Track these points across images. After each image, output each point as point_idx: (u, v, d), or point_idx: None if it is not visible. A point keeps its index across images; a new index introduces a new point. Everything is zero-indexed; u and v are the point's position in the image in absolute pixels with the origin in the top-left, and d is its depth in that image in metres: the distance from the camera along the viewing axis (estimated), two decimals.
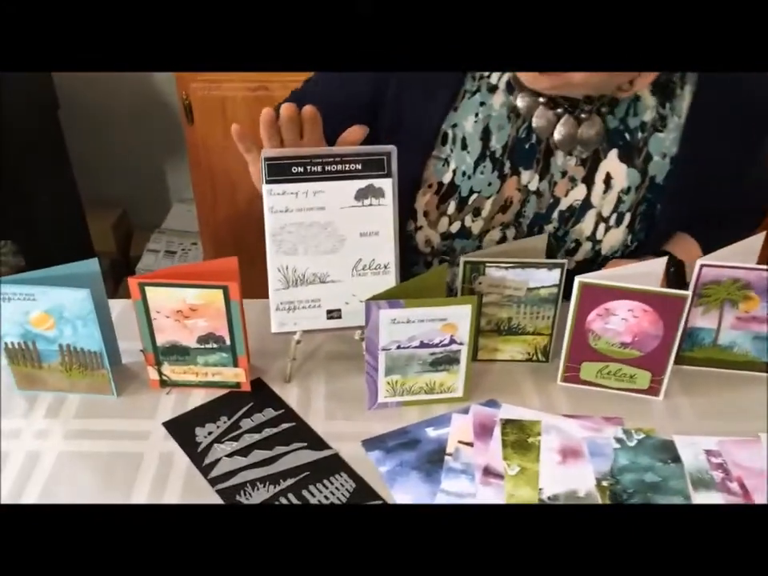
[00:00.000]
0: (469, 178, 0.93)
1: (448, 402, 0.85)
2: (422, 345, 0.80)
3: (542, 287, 0.84)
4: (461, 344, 0.81)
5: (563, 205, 0.94)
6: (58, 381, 0.85)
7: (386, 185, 0.81)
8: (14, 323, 0.80)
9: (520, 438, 0.80)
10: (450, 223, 0.95)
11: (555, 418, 0.83)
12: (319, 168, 0.79)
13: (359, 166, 0.80)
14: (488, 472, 0.77)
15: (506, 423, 0.82)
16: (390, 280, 0.84)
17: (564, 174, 0.92)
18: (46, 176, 1.90)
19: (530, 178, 0.93)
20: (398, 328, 0.79)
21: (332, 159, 0.79)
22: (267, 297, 0.84)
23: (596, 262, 0.96)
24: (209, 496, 0.74)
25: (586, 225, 0.94)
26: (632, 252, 0.97)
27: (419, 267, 1.05)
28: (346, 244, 0.82)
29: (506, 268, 0.83)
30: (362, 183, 0.80)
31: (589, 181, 0.92)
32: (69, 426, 0.82)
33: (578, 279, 0.79)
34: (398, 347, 0.80)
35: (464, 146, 0.92)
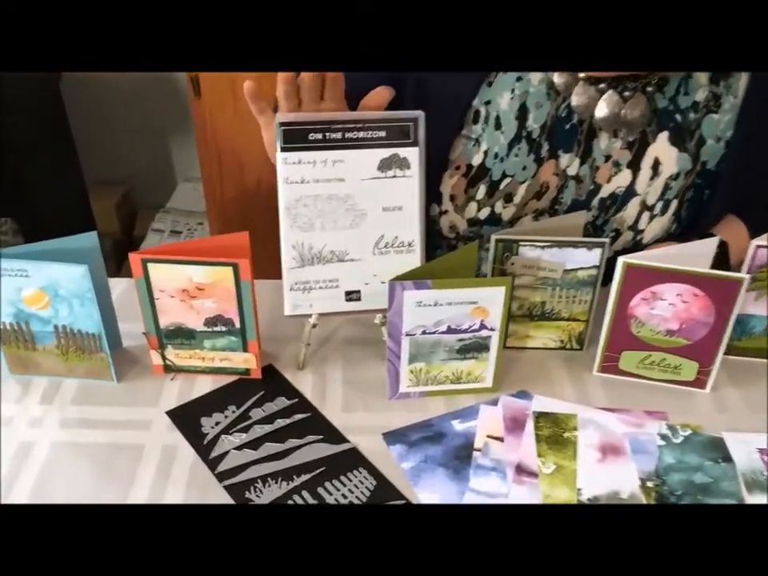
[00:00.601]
0: (501, 160, 0.85)
1: (475, 393, 0.79)
2: (450, 330, 0.74)
3: (580, 269, 0.77)
4: (492, 330, 0.74)
5: (605, 192, 0.86)
6: (54, 365, 0.78)
7: (412, 154, 0.74)
8: (5, 301, 0.74)
9: (555, 433, 0.74)
10: (479, 209, 0.88)
11: (592, 411, 0.76)
12: (339, 135, 0.72)
13: (383, 134, 0.73)
14: (521, 470, 0.70)
15: (539, 416, 0.76)
16: (414, 259, 0.77)
17: (607, 158, 0.85)
18: (47, 153, 1.83)
19: (569, 162, 0.85)
20: (424, 311, 0.72)
21: (353, 125, 0.72)
22: (278, 278, 0.78)
23: (636, 250, 0.89)
24: (216, 493, 0.68)
25: (629, 213, 0.87)
26: (674, 239, 0.89)
27: (443, 251, 0.97)
28: (367, 219, 0.75)
29: (542, 247, 0.76)
30: (386, 152, 0.73)
31: (635, 166, 0.84)
32: (65, 414, 0.75)
33: (621, 260, 0.72)
34: (423, 332, 0.73)
35: (497, 126, 0.84)
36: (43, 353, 0.77)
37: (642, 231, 0.87)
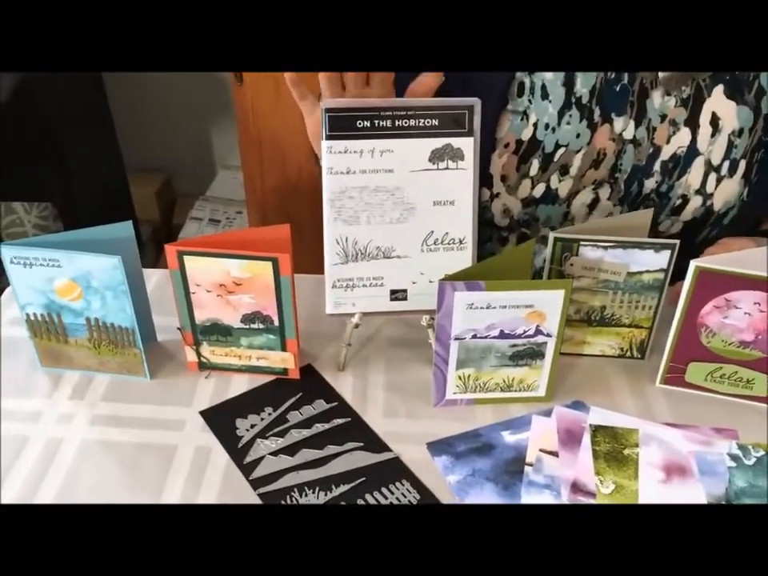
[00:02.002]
0: (553, 130, 0.80)
1: (527, 402, 0.73)
2: (502, 335, 0.68)
3: (646, 272, 0.71)
4: (548, 336, 0.69)
5: (665, 153, 0.80)
6: (85, 358, 0.75)
7: (467, 145, 0.69)
8: (36, 292, 0.71)
9: (614, 449, 0.68)
10: (533, 186, 0.82)
11: (655, 426, 0.70)
12: (389, 123, 0.67)
13: (435, 122, 0.68)
14: (577, 488, 0.65)
15: (597, 430, 0.70)
16: (465, 257, 0.72)
17: (663, 117, 0.79)
18: (88, 139, 1.82)
19: (624, 125, 0.80)
20: (476, 314, 0.67)
21: (404, 113, 0.67)
22: (318, 273, 0.73)
23: (708, 221, 0.83)
24: (249, 500, 0.64)
25: (694, 176, 0.81)
26: (749, 205, 0.83)
27: (493, 244, 0.92)
28: (416, 213, 0.70)
29: (605, 248, 0.70)
30: (438, 142, 0.68)
31: (693, 124, 0.79)
32: (95, 411, 0.72)
33: (694, 264, 0.66)
34: (474, 336, 0.68)
35: (544, 95, 0.79)
36: (75, 346, 0.74)
37: (712, 195, 0.81)
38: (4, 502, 0.63)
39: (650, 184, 0.81)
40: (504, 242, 0.92)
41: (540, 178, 0.82)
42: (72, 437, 0.70)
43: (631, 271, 0.71)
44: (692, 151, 0.80)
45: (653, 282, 0.72)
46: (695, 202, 0.82)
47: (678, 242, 0.69)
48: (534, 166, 0.81)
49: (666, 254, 0.70)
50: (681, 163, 0.81)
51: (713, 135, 0.79)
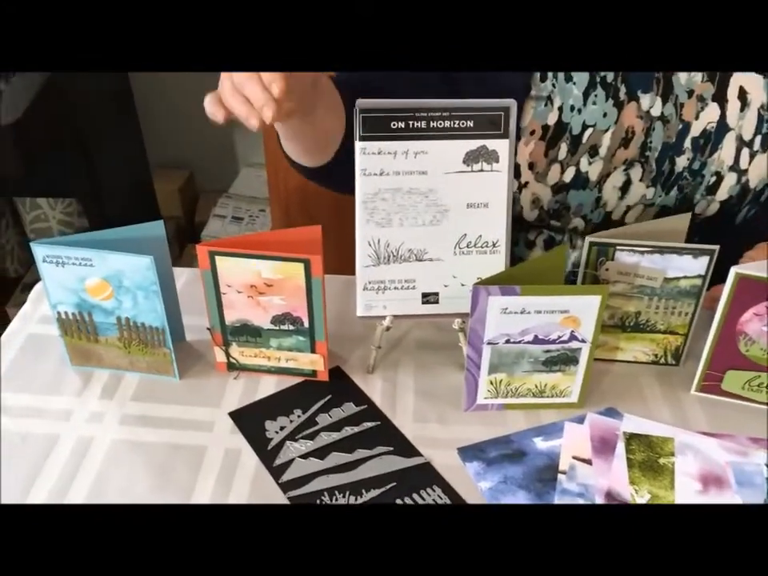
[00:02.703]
0: (579, 111, 0.79)
1: (559, 408, 0.72)
2: (536, 340, 0.68)
3: (684, 277, 0.70)
4: (583, 341, 0.68)
5: (695, 130, 0.79)
6: (115, 358, 0.75)
7: (502, 147, 0.68)
8: (68, 290, 0.71)
9: (649, 458, 0.67)
10: (563, 170, 0.81)
11: (691, 435, 0.69)
12: (423, 124, 0.66)
13: (471, 123, 0.67)
14: (611, 497, 0.64)
15: (631, 438, 0.69)
16: (498, 261, 0.71)
17: (690, 93, 0.78)
18: (114, 135, 1.82)
19: (651, 102, 0.78)
20: (510, 319, 0.66)
21: (439, 114, 0.66)
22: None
23: (744, 200, 0.81)
24: (279, 503, 0.64)
25: (726, 152, 0.79)
26: None
27: (519, 248, 0.91)
28: (450, 216, 0.70)
29: (641, 253, 0.69)
30: (473, 144, 0.67)
31: (721, 98, 0.78)
32: (125, 410, 0.72)
33: (734, 270, 0.65)
34: (507, 341, 0.67)
35: (568, 78, 0.78)
36: (105, 345, 0.74)
37: (746, 171, 0.80)
38: (36, 500, 0.63)
39: (681, 162, 0.80)
40: (531, 246, 0.90)
41: (569, 162, 0.81)
42: (102, 436, 0.70)
43: (668, 277, 0.70)
44: (722, 127, 0.79)
45: (690, 288, 0.71)
46: (730, 179, 0.80)
47: (717, 247, 0.68)
48: (563, 149, 0.80)
49: (705, 259, 0.68)
50: (712, 139, 0.79)
51: (742, 110, 0.78)
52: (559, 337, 0.67)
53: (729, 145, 0.79)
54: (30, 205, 1.95)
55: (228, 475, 0.66)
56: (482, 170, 0.68)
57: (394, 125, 0.66)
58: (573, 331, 0.67)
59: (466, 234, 0.70)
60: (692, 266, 0.69)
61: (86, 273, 0.69)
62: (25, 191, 1.82)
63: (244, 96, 0.60)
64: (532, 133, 0.80)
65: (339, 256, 0.84)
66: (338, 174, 0.79)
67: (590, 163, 0.81)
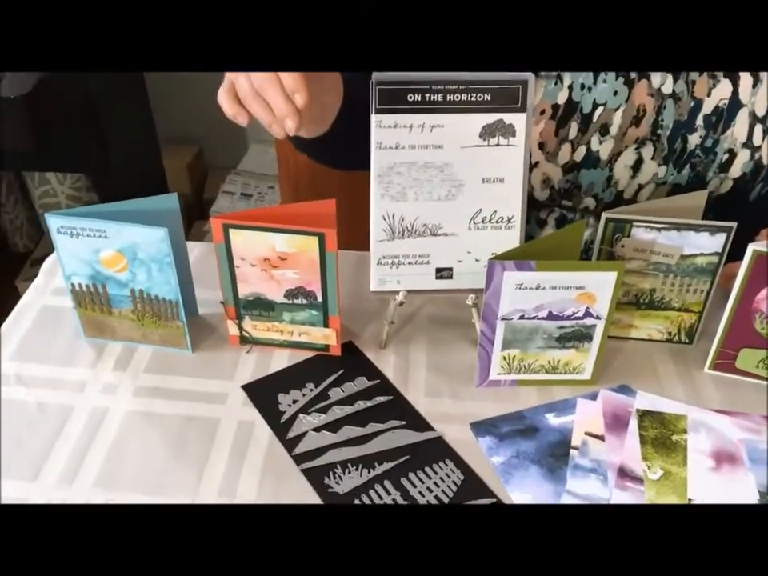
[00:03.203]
0: (589, 90, 0.78)
1: (572, 385, 0.72)
2: (551, 316, 0.67)
3: (700, 255, 0.70)
4: (597, 318, 0.67)
5: (707, 107, 0.78)
6: (129, 330, 0.75)
7: (519, 121, 0.67)
8: (82, 262, 0.71)
9: (662, 435, 0.67)
10: (574, 150, 0.81)
11: (704, 412, 0.69)
12: (440, 97, 0.66)
13: (488, 97, 0.66)
14: (624, 473, 0.64)
15: (644, 415, 0.69)
16: (513, 236, 0.71)
17: None
18: (123, 111, 1.81)
19: (662, 80, 0.78)
20: (524, 294, 0.66)
21: (456, 87, 0.66)
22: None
23: (758, 177, 0.81)
24: (293, 476, 0.64)
25: (739, 128, 0.78)
26: None
27: (531, 227, 0.90)
28: (465, 191, 0.69)
29: (658, 229, 0.69)
30: (490, 118, 0.67)
31: (732, 75, 0.77)
32: (138, 382, 0.73)
33: (751, 248, 0.64)
34: (521, 317, 0.67)
35: None
36: (119, 317, 0.74)
37: (759, 148, 0.79)
38: (53, 469, 0.64)
39: (693, 139, 0.79)
40: (542, 225, 0.90)
41: (580, 141, 0.80)
42: (116, 407, 0.70)
43: (684, 254, 0.70)
44: (734, 103, 0.78)
45: (706, 266, 0.70)
46: (743, 156, 0.79)
47: (734, 224, 0.67)
48: (573, 128, 0.80)
49: (722, 237, 0.68)
50: (724, 116, 0.78)
51: (754, 86, 0.77)
52: (574, 313, 0.67)
53: (741, 121, 0.78)
54: (38, 180, 1.94)
55: (242, 446, 0.66)
56: (498, 145, 0.68)
57: (410, 97, 0.66)
58: (588, 308, 0.67)
59: (481, 209, 0.70)
60: (709, 244, 0.69)
61: (101, 244, 0.69)
62: (34, 166, 1.82)
63: (265, 101, 0.61)
64: (542, 112, 0.79)
65: (348, 232, 0.84)
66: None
67: (600, 142, 0.80)
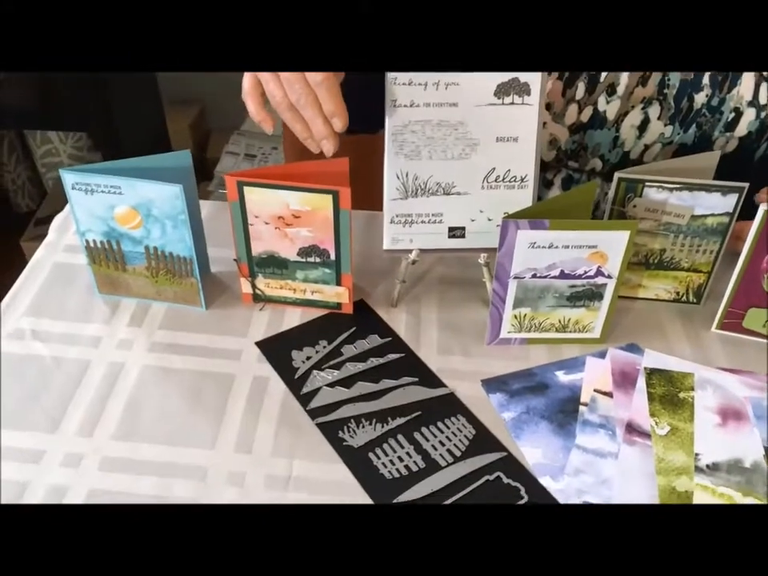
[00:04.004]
0: None
1: (581, 344, 0.73)
2: (562, 275, 0.68)
3: (711, 215, 0.70)
4: (609, 277, 0.68)
5: None
6: (143, 287, 0.76)
7: (534, 80, 0.67)
8: (97, 219, 0.71)
9: (669, 392, 0.68)
10: (580, 110, 0.81)
11: (711, 371, 0.70)
12: None
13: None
14: (632, 429, 0.65)
15: (652, 373, 0.70)
16: (525, 196, 0.71)
17: None
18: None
19: None
20: (537, 253, 0.66)
21: None
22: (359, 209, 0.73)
23: (764, 135, 0.81)
24: (308, 430, 0.65)
25: (745, 87, 0.78)
26: None
27: (538, 188, 0.90)
28: (479, 150, 0.69)
29: (670, 189, 0.69)
30: (505, 76, 0.67)
31: None
32: (153, 339, 0.73)
33: (763, 208, 0.65)
34: (533, 276, 0.68)
35: None
36: (133, 274, 0.75)
37: (765, 106, 0.79)
38: (73, 421, 0.65)
39: (700, 98, 0.79)
40: (549, 185, 0.90)
41: (587, 101, 0.80)
42: (132, 362, 0.71)
43: (695, 214, 0.70)
44: None
45: (716, 226, 0.71)
46: (749, 114, 0.79)
47: (746, 185, 0.68)
48: (580, 89, 0.80)
49: (733, 197, 0.68)
50: (730, 75, 0.78)
51: None
52: (585, 272, 0.68)
53: (747, 80, 0.78)
54: (40, 139, 1.93)
55: (257, 401, 0.67)
56: (512, 103, 0.68)
57: None
58: (599, 267, 0.67)
59: (494, 168, 0.70)
60: (720, 204, 0.69)
61: (115, 201, 0.69)
62: (37, 124, 1.81)
63: (302, 117, 0.63)
64: (549, 73, 0.79)
65: (356, 192, 0.84)
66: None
67: (607, 102, 0.80)
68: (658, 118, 0.80)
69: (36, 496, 0.59)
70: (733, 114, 0.79)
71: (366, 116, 0.69)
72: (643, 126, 0.81)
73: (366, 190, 0.75)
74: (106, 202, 0.69)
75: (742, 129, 0.80)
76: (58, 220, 0.89)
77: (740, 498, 0.60)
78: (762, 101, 0.78)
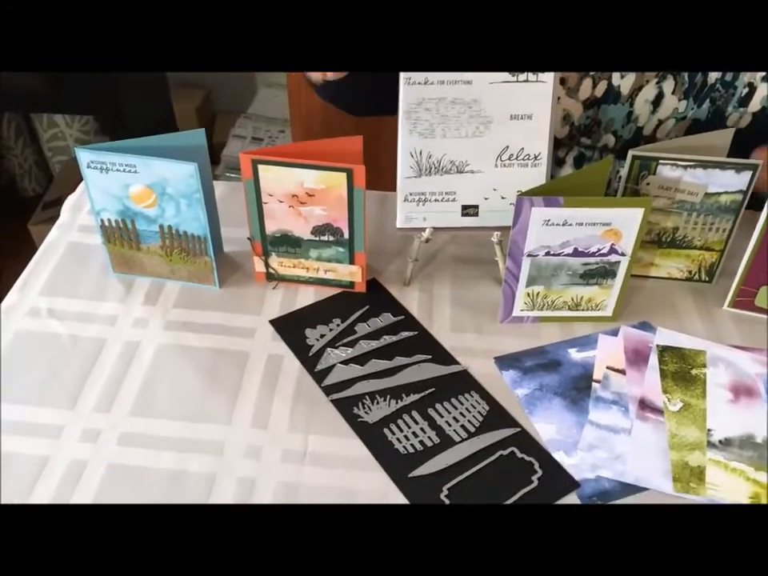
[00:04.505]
0: None
1: (593, 321, 0.74)
2: (576, 253, 0.68)
3: (724, 192, 0.70)
4: (622, 255, 0.68)
5: None
6: (157, 266, 0.76)
7: None
8: (112, 197, 0.71)
9: (682, 369, 0.69)
10: (594, 85, 0.81)
11: (723, 348, 0.71)
12: None
13: None
14: (645, 405, 0.66)
15: (664, 350, 0.70)
16: (539, 174, 0.71)
17: None
18: None
19: None
20: (551, 231, 0.66)
21: None
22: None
23: None
24: (323, 407, 0.66)
25: None
26: None
27: (551, 166, 0.90)
28: (493, 128, 0.69)
29: (684, 167, 0.69)
30: None
31: None
32: (168, 317, 0.74)
33: None
34: (547, 253, 0.68)
35: None
36: (147, 253, 0.75)
37: None
38: (88, 400, 0.66)
39: (714, 73, 0.79)
40: (561, 164, 0.90)
41: (601, 76, 0.80)
42: (148, 340, 0.71)
43: (709, 192, 0.70)
44: None
45: (729, 204, 0.71)
46: (762, 89, 0.79)
47: (761, 162, 0.68)
48: None
49: (747, 174, 0.68)
50: None
51: None
52: (599, 249, 0.68)
53: None
54: (47, 123, 1.93)
55: (272, 378, 0.68)
56: (527, 80, 0.67)
57: None
58: (613, 244, 0.67)
59: (508, 147, 0.70)
60: (733, 182, 0.69)
61: (130, 179, 0.69)
62: (45, 108, 1.80)
63: None
64: None
65: (368, 173, 0.84)
66: (350, 92, 0.79)
67: (622, 77, 0.80)
68: (672, 93, 0.80)
69: (56, 471, 0.60)
70: (747, 89, 0.79)
71: (378, 99, 0.69)
72: (657, 101, 0.80)
73: (373, 171, 0.75)
74: (121, 181, 0.70)
75: (755, 104, 0.80)
76: (71, 200, 0.89)
77: (752, 473, 0.60)
78: None
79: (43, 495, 0.58)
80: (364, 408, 0.66)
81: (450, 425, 0.64)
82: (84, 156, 0.68)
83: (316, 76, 0.80)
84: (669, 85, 0.79)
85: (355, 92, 0.80)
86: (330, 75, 0.77)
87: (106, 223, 0.74)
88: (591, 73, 0.80)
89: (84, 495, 0.58)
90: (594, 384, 0.68)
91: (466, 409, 0.66)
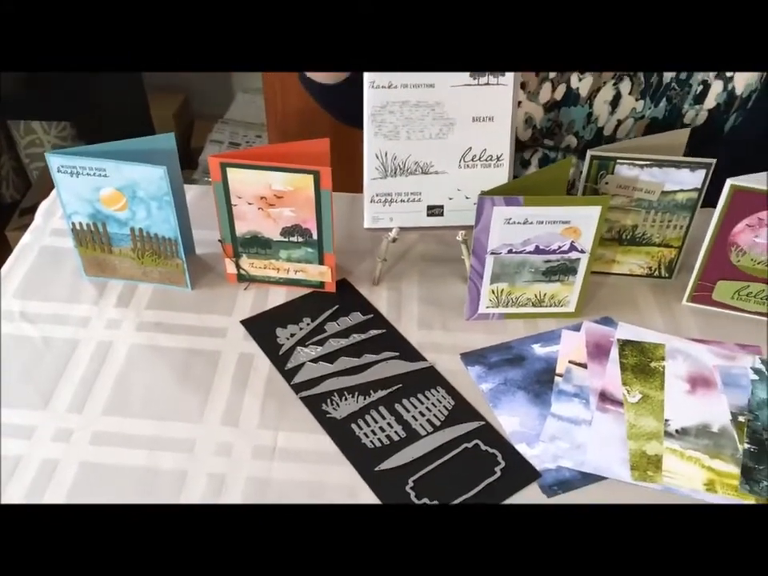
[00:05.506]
0: None
1: (557, 317, 0.76)
2: (537, 250, 0.70)
3: (680, 191, 0.72)
4: (582, 252, 0.70)
5: None
6: (129, 268, 0.77)
7: None
8: (83, 201, 0.72)
9: (641, 362, 0.71)
10: (554, 88, 0.83)
11: (681, 341, 0.73)
12: None
13: None
14: (605, 397, 0.68)
15: (625, 344, 0.73)
16: (501, 174, 0.73)
17: None
18: None
19: None
20: (513, 229, 0.68)
21: None
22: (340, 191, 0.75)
23: (732, 107, 0.83)
24: (292, 404, 0.67)
25: None
26: None
27: (515, 168, 0.92)
28: (455, 129, 0.71)
29: (641, 166, 0.71)
30: None
31: None
32: (141, 318, 0.75)
33: (729, 182, 0.67)
34: (510, 251, 0.70)
35: None
36: (119, 256, 0.76)
37: (732, 78, 0.82)
38: (64, 396, 0.67)
39: (669, 73, 0.81)
40: (526, 165, 0.92)
41: (560, 79, 0.82)
42: (121, 341, 0.73)
43: (666, 190, 0.72)
44: None
45: (686, 202, 0.73)
46: (716, 87, 0.82)
47: (714, 161, 0.70)
48: None
49: (702, 173, 0.71)
50: None
51: None
52: (559, 247, 0.70)
53: None
54: (24, 129, 1.93)
55: (243, 377, 0.69)
56: (488, 83, 0.69)
57: None
58: (573, 242, 0.70)
59: (470, 148, 0.72)
60: (689, 179, 0.72)
61: (101, 183, 0.71)
62: (22, 114, 1.81)
63: None
64: None
65: (337, 177, 0.86)
66: (345, 99, 0.80)
67: (579, 79, 0.82)
68: (630, 93, 0.82)
69: (29, 469, 0.61)
70: (701, 87, 0.81)
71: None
72: (615, 102, 0.83)
73: (348, 176, 0.77)
74: (92, 184, 0.71)
75: (710, 101, 0.82)
76: (44, 205, 0.90)
77: (708, 461, 0.62)
78: (729, 73, 0.81)
79: (14, 495, 0.59)
80: (332, 404, 0.67)
81: (416, 419, 0.66)
82: (54, 160, 0.69)
83: (321, 77, 0.81)
84: (626, 85, 0.82)
85: (355, 101, 0.81)
86: (333, 77, 0.78)
87: (78, 227, 0.75)
88: (550, 76, 0.82)
89: (56, 493, 0.59)
90: (556, 378, 0.70)
91: (432, 404, 0.68)
